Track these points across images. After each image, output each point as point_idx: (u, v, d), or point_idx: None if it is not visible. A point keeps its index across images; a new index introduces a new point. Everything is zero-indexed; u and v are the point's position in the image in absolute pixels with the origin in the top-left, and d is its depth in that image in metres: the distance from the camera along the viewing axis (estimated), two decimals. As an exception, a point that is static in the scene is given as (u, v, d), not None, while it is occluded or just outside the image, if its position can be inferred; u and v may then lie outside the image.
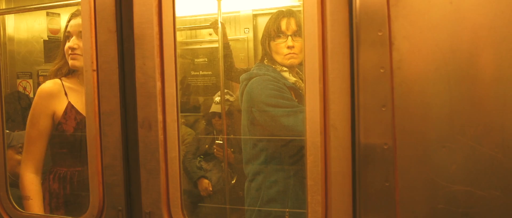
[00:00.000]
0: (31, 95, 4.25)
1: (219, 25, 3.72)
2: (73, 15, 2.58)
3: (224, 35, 3.77)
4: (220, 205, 3.99)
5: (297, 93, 2.64)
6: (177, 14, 1.99)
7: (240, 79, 2.77)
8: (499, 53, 1.52)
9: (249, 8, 4.45)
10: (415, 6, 1.59)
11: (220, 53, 3.68)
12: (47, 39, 4.30)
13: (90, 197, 2.17)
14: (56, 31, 4.33)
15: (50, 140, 2.59)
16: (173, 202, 2.06)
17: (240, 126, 2.80)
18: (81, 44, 2.43)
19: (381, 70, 1.62)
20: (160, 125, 2.03)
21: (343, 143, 1.74)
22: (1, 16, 3.91)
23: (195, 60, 4.58)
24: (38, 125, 2.55)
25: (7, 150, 2.63)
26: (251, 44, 4.47)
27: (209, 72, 4.49)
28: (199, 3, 4.35)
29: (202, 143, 4.33)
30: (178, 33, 4.61)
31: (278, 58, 2.69)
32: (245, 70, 3.23)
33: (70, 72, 2.64)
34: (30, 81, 4.31)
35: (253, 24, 4.47)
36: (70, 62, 2.53)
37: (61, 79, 2.62)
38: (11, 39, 4.11)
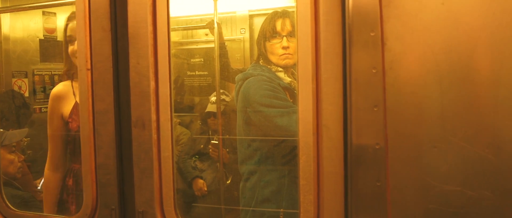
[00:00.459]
0: (27, 94, 4.25)
1: (215, 25, 3.72)
2: (71, 16, 2.58)
3: (220, 35, 3.78)
4: (215, 205, 3.99)
5: (292, 93, 2.65)
6: (174, 14, 2.00)
7: (236, 79, 2.77)
8: (491, 55, 1.53)
9: (245, 8, 4.46)
10: (407, 7, 1.60)
11: (216, 54, 3.69)
12: (42, 38, 4.29)
13: (84, 196, 2.18)
14: (52, 31, 4.32)
15: (65, 139, 2.68)
16: (166, 201, 2.06)
17: (236, 126, 2.81)
18: None
19: (373, 71, 1.63)
20: (154, 124, 2.03)
21: (335, 143, 1.75)
22: (-3, 15, 3.91)
23: (191, 60, 4.58)
24: (52, 125, 2.67)
25: None
26: (247, 45, 4.48)
27: (205, 73, 4.49)
28: (195, 3, 4.36)
29: (197, 143, 4.33)
30: (174, 33, 4.64)
31: (273, 58, 2.69)
32: (241, 71, 3.23)
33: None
34: (26, 80, 4.31)
35: (249, 25, 4.48)
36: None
37: (71, 81, 2.68)
38: (7, 38, 4.11)
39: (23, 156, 3.19)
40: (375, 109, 1.64)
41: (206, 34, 4.53)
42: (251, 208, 2.69)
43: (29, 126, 3.93)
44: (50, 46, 4.29)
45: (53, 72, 4.44)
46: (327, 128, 1.75)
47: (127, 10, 2.03)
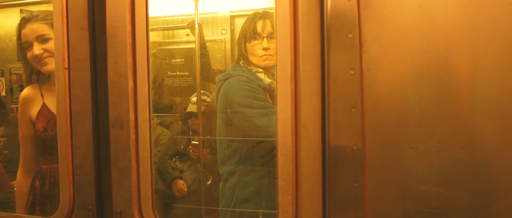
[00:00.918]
0: (3, 93, 4.18)
1: (196, 25, 3.71)
2: (22, 23, 2.56)
3: (201, 36, 3.77)
4: (194, 206, 3.98)
5: (272, 94, 2.66)
6: (155, 14, 1.98)
7: (216, 80, 2.77)
8: (466, 57, 1.55)
9: (226, 9, 4.45)
10: (385, 9, 1.61)
11: (197, 54, 3.68)
12: (20, 36, 4.22)
13: (60, 197, 2.15)
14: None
15: (35, 142, 2.64)
16: (144, 202, 2.05)
17: (216, 127, 2.81)
18: (46, 46, 2.49)
19: (351, 72, 1.64)
20: (132, 124, 2.02)
21: (313, 143, 1.76)
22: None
23: (172, 60, 4.56)
24: (22, 129, 2.64)
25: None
26: (228, 45, 4.48)
27: (186, 73, 4.47)
28: (177, 3, 4.34)
29: (177, 144, 4.30)
30: (155, 33, 4.61)
31: (254, 59, 2.70)
32: (222, 71, 3.23)
33: (45, 77, 2.64)
34: (2, 79, 4.24)
35: (231, 25, 4.48)
36: (43, 68, 2.54)
37: (39, 83, 2.65)
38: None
39: None
40: (353, 110, 1.65)
41: (187, 35, 4.51)
42: (230, 209, 2.69)
43: (5, 125, 3.87)
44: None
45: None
46: (305, 128, 1.76)
47: (106, 9, 2.02)
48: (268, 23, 2.66)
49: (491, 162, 1.55)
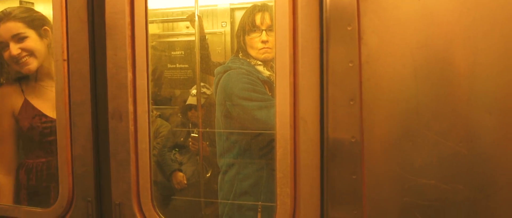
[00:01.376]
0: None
1: (196, 18, 3.70)
2: None
3: (201, 28, 3.76)
4: (194, 198, 3.99)
5: (271, 87, 2.66)
6: (154, 6, 1.98)
7: (215, 72, 2.77)
8: (465, 50, 1.55)
9: (226, 2, 4.44)
10: (384, 2, 1.61)
11: (197, 46, 3.67)
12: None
13: (60, 188, 2.15)
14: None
15: (17, 137, 2.60)
16: (143, 193, 2.06)
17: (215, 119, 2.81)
18: (23, 45, 2.43)
19: (350, 65, 1.64)
20: (131, 116, 2.02)
21: (312, 136, 1.76)
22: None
23: (172, 53, 4.56)
24: (2, 126, 2.57)
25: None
26: (228, 38, 4.47)
27: (186, 65, 4.47)
28: (176, -5, 4.33)
29: (177, 136, 4.31)
30: (155, 25, 4.60)
31: (253, 52, 2.70)
32: (221, 64, 3.23)
33: (24, 75, 2.60)
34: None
35: (231, 18, 4.47)
36: (24, 69, 2.48)
37: (18, 79, 2.61)
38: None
39: None
40: (351, 103, 1.65)
41: (187, 27, 4.50)
42: (229, 201, 2.70)
43: None
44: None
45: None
46: (304, 121, 1.76)
47: (105, 1, 2.01)
48: (267, 16, 2.66)
49: (489, 155, 1.56)
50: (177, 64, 4.53)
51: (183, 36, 4.62)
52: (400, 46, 1.60)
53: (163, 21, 4.61)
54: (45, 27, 2.49)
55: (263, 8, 2.68)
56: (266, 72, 2.69)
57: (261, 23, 2.64)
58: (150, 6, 2.02)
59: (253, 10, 2.69)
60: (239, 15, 4.40)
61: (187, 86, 4.37)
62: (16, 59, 2.44)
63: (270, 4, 2.74)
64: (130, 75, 2.00)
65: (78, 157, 2.12)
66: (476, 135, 1.57)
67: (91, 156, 2.10)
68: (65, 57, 2.08)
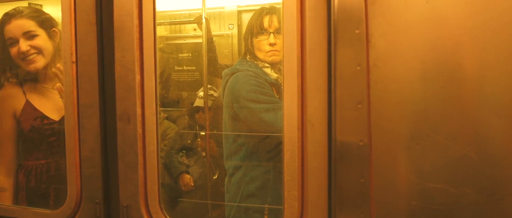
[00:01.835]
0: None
1: (204, 20, 3.71)
2: (6, 18, 2.49)
3: (208, 30, 3.77)
4: (201, 201, 3.99)
5: (278, 89, 2.65)
6: (162, 8, 1.99)
7: (222, 74, 2.77)
8: (474, 53, 1.54)
9: (233, 4, 4.44)
10: (392, 5, 1.61)
11: (204, 49, 3.68)
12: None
13: (68, 190, 2.16)
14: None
15: (17, 139, 2.61)
16: (151, 196, 2.06)
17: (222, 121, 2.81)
18: (33, 43, 2.45)
19: (358, 68, 1.64)
20: (139, 118, 2.03)
21: (319, 139, 1.76)
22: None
23: (179, 55, 4.56)
24: (1, 126, 2.58)
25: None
26: (235, 40, 4.47)
27: (193, 68, 4.47)
28: (184, -2, 4.34)
29: (184, 138, 4.31)
30: (162, 27, 4.61)
31: (260, 55, 2.70)
32: (228, 66, 3.23)
33: (26, 74, 2.61)
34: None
35: (238, 20, 4.47)
36: (30, 66, 2.49)
37: (20, 80, 2.62)
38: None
39: None
40: (359, 106, 1.65)
41: (194, 29, 4.51)
42: (235, 203, 2.70)
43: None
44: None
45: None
46: (311, 124, 1.76)
47: (113, 4, 2.02)
48: (274, 18, 2.66)
49: (498, 159, 1.55)
50: (184, 67, 4.54)
51: (190, 39, 4.63)
52: (408, 49, 1.60)
53: (170, 23, 4.62)
54: (54, 28, 2.51)
55: (271, 10, 2.68)
56: (274, 75, 2.68)
57: (269, 26, 2.64)
58: (158, 8, 2.02)
59: (261, 13, 2.69)
60: (246, 17, 4.39)
61: (194, 88, 4.37)
62: (24, 56, 2.45)
63: (278, 6, 2.74)
64: (138, 77, 2.01)
65: (86, 159, 2.13)
66: (485, 139, 1.56)
67: (99, 158, 2.11)
68: (74, 60, 2.09)
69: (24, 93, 2.58)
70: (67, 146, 2.15)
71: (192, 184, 4.19)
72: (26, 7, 2.56)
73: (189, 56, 4.55)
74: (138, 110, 2.02)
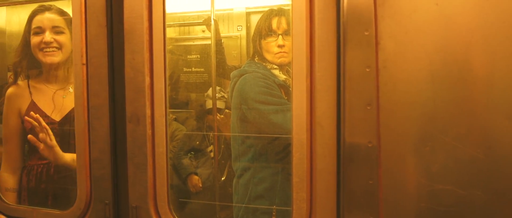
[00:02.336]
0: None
1: (212, 22, 3.71)
2: (38, 11, 2.57)
3: (217, 32, 3.78)
4: (209, 202, 3.99)
5: (287, 91, 2.66)
6: (171, 10, 1.99)
7: (231, 76, 2.78)
8: (483, 55, 1.54)
9: (242, 5, 4.45)
10: (401, 7, 1.60)
11: (213, 50, 3.69)
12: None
13: (78, 191, 2.18)
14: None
15: (22, 138, 2.64)
16: (160, 197, 2.07)
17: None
18: (58, 38, 2.51)
19: (367, 70, 1.64)
20: (148, 120, 2.04)
21: (328, 140, 1.76)
22: (-7, 8, 3.89)
23: (188, 56, 4.58)
24: (8, 126, 2.63)
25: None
26: (243, 42, 4.47)
27: (202, 69, 4.48)
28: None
29: (193, 140, 4.32)
30: (171, 29, 4.63)
31: (269, 56, 2.70)
32: (237, 68, 3.24)
33: (34, 73, 2.66)
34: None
35: (246, 22, 4.48)
36: (46, 58, 2.55)
37: (28, 80, 2.66)
38: (3, 32, 4.08)
39: None
40: (368, 107, 1.65)
41: (203, 31, 4.52)
42: (244, 205, 2.70)
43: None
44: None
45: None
46: (320, 125, 1.76)
47: (123, 6, 2.04)
48: (283, 20, 2.66)
49: (507, 160, 1.54)
50: (193, 68, 4.55)
51: (199, 40, 4.64)
52: (417, 51, 1.59)
53: (179, 25, 4.64)
54: None
55: (279, 12, 2.69)
56: (282, 76, 2.69)
57: (278, 28, 2.65)
58: (167, 10, 2.04)
59: (269, 15, 2.69)
60: (254, 19, 4.40)
61: (203, 90, 4.38)
62: (45, 46, 2.52)
63: (286, 8, 2.74)
64: (147, 79, 2.02)
65: (96, 160, 2.14)
66: (494, 140, 1.55)
67: (109, 159, 2.12)
68: (84, 62, 2.11)
69: (30, 93, 2.62)
70: (77, 147, 2.16)
71: (201, 185, 4.20)
72: (59, 7, 2.65)
73: (197, 58, 4.56)
74: (148, 112, 2.04)
